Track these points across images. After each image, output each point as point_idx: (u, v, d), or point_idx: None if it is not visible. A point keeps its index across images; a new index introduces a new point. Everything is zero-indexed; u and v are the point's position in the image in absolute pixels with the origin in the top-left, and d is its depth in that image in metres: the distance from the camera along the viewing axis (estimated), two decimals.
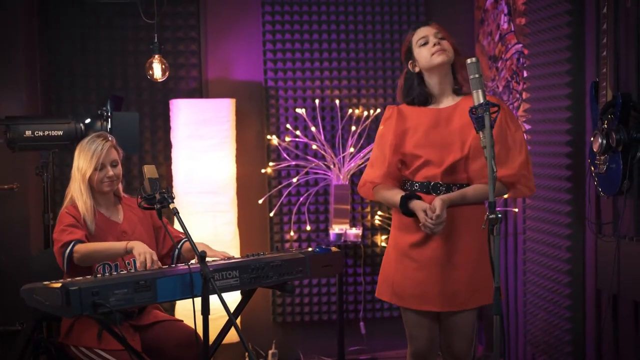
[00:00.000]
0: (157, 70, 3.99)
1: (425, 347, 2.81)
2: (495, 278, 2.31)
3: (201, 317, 2.43)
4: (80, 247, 2.83)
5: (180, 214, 2.60)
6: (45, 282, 2.41)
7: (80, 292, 2.26)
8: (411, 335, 2.83)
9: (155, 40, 3.96)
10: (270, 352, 4.34)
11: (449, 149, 2.71)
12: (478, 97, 2.40)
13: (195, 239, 2.65)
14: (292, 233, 4.50)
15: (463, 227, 2.70)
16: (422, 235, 2.71)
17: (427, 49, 2.76)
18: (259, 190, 4.49)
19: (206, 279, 2.39)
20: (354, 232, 4.30)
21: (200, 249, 2.50)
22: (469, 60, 2.46)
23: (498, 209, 2.31)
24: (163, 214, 2.70)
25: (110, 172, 3.01)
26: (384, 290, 2.84)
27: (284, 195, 4.48)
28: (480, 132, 2.37)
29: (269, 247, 4.51)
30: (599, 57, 3.09)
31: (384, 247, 4.53)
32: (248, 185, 4.46)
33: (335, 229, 4.31)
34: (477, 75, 2.43)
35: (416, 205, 2.66)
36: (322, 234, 4.51)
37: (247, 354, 4.30)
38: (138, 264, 2.72)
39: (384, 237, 4.56)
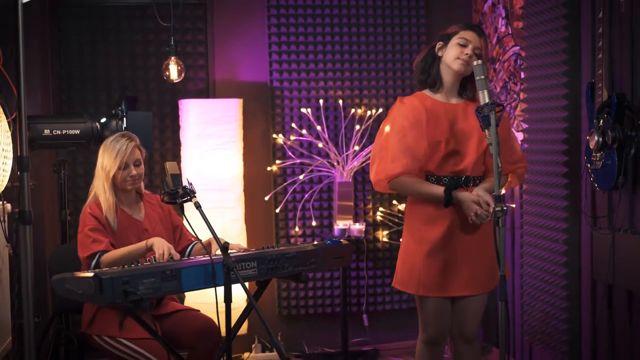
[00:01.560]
0: (174, 71, 4.08)
1: (440, 333, 2.94)
2: (500, 267, 2.45)
3: (223, 305, 2.53)
4: (106, 258, 2.92)
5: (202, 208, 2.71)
6: (76, 272, 2.53)
7: (112, 280, 2.37)
8: (428, 323, 2.93)
9: (172, 42, 4.05)
10: None
11: (471, 142, 2.84)
12: (484, 97, 2.54)
13: (206, 235, 2.75)
14: (297, 229, 4.58)
15: None
16: (450, 226, 2.83)
17: (458, 52, 2.83)
18: (265, 188, 4.58)
19: (229, 269, 2.51)
20: (357, 227, 4.39)
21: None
22: (475, 63, 2.60)
23: None
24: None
25: (134, 172, 3.09)
26: (410, 283, 2.92)
27: (289, 193, 4.56)
28: (486, 130, 2.52)
29: (274, 242, 4.57)
30: (594, 59, 3.19)
31: (386, 241, 4.67)
32: (254, 183, 4.54)
33: (340, 224, 4.41)
34: (482, 77, 2.57)
35: (465, 196, 2.76)
36: (326, 230, 4.60)
37: (253, 346, 4.47)
38: (157, 256, 2.81)
39: (385, 232, 4.69)
